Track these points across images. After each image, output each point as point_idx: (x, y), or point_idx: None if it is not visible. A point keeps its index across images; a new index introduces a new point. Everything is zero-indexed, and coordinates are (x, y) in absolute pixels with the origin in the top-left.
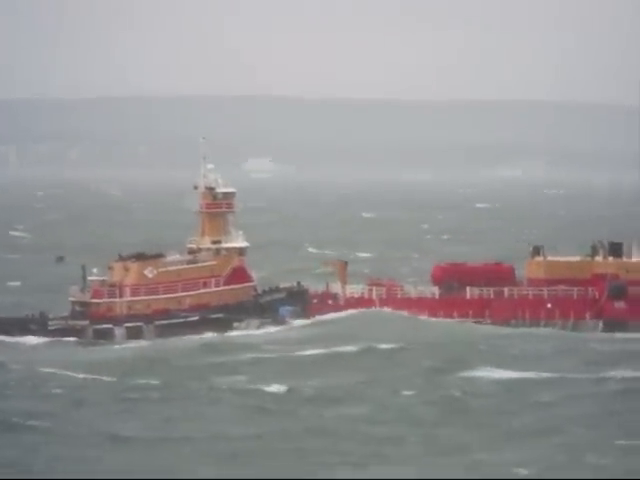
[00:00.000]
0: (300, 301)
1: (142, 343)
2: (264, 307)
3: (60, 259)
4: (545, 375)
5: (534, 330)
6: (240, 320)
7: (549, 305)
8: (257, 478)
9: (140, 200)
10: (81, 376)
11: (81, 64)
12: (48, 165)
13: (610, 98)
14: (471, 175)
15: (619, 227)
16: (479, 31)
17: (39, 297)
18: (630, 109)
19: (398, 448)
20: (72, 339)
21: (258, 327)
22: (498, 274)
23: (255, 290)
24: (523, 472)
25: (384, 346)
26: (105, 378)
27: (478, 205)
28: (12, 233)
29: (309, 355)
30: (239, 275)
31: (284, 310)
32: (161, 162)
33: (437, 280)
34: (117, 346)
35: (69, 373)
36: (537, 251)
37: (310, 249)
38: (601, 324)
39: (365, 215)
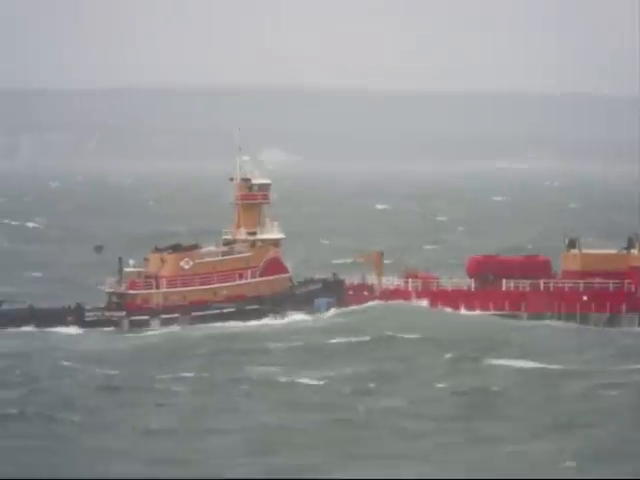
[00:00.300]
0: (336, 292)
1: (175, 328)
2: (300, 298)
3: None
4: (574, 367)
5: (566, 323)
6: (276, 312)
7: (585, 298)
8: (260, 478)
9: (154, 191)
10: (112, 369)
11: (97, 54)
12: (62, 156)
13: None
14: (484, 167)
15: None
16: (483, 25)
17: (61, 287)
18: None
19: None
20: (108, 330)
21: (288, 317)
22: (534, 266)
23: (291, 281)
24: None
25: (410, 336)
26: (137, 369)
27: (494, 198)
28: (28, 224)
29: (336, 344)
30: (275, 266)
31: (320, 301)
32: (175, 153)
33: (472, 272)
34: (150, 332)
35: (98, 367)
36: (573, 244)
37: (324, 241)
38: (638, 317)
39: (379, 207)
